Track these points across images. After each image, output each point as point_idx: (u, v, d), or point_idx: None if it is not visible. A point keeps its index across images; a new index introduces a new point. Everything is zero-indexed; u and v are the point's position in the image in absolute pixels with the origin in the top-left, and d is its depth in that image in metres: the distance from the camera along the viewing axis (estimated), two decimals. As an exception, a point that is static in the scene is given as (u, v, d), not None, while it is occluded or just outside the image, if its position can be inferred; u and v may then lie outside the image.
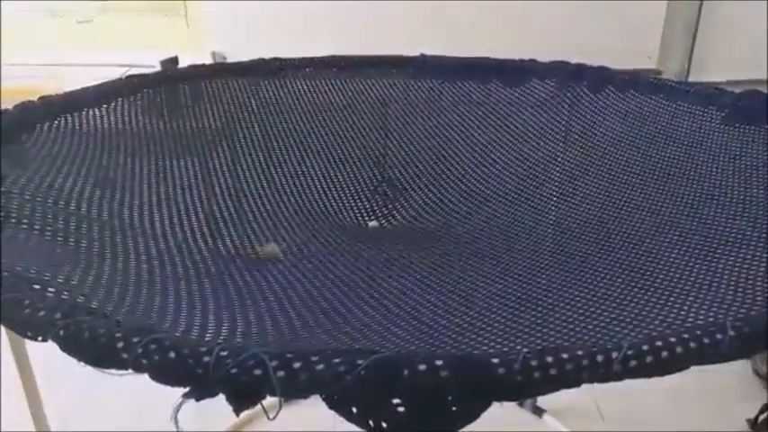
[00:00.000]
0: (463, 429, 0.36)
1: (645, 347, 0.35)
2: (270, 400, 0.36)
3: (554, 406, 1.42)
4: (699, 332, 0.37)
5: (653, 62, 1.86)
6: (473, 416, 0.35)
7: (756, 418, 1.34)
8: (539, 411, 1.42)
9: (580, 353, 0.34)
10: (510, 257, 0.77)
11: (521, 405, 1.44)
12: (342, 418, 0.36)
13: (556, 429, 1.38)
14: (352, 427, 0.36)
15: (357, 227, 0.97)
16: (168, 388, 0.37)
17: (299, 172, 1.06)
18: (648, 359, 0.35)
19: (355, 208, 1.05)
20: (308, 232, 0.91)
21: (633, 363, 0.35)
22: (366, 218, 1.05)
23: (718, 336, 0.36)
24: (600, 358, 0.35)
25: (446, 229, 0.95)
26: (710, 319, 0.49)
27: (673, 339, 0.36)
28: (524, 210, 0.94)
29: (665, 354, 0.35)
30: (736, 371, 1.54)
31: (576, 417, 1.40)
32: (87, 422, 1.25)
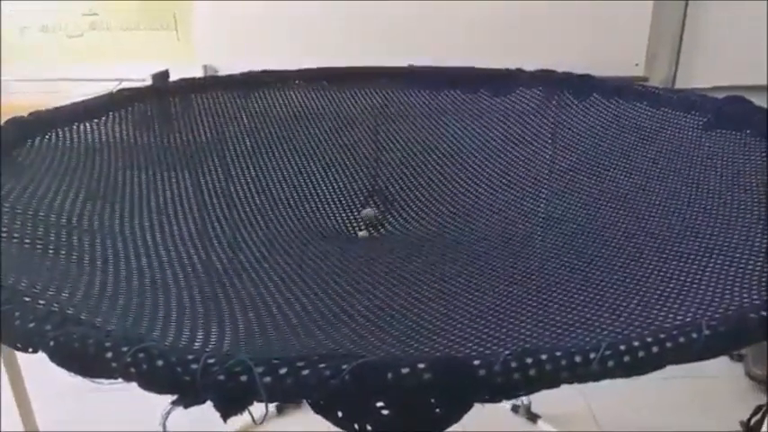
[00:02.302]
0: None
1: (622, 347, 0.36)
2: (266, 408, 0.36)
3: (548, 411, 1.43)
4: (675, 332, 0.37)
5: (640, 70, 1.89)
6: (456, 417, 0.36)
7: (749, 420, 1.35)
8: (533, 417, 1.42)
9: (559, 354, 0.35)
10: (495, 262, 0.78)
11: (515, 411, 1.44)
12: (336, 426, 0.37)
13: (550, 435, 1.38)
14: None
15: (347, 236, 0.98)
16: (157, 396, 0.37)
17: (290, 183, 1.07)
18: (626, 359, 0.36)
19: (346, 218, 1.06)
20: (298, 242, 0.91)
21: (611, 363, 0.36)
22: (356, 228, 1.06)
23: (694, 335, 0.37)
24: (578, 359, 0.36)
25: (435, 237, 0.96)
26: (688, 319, 0.50)
27: (649, 339, 0.37)
28: (511, 216, 0.95)
29: (641, 353, 0.36)
30: (730, 373, 1.55)
31: (570, 422, 1.41)
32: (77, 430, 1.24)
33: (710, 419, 1.39)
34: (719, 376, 1.53)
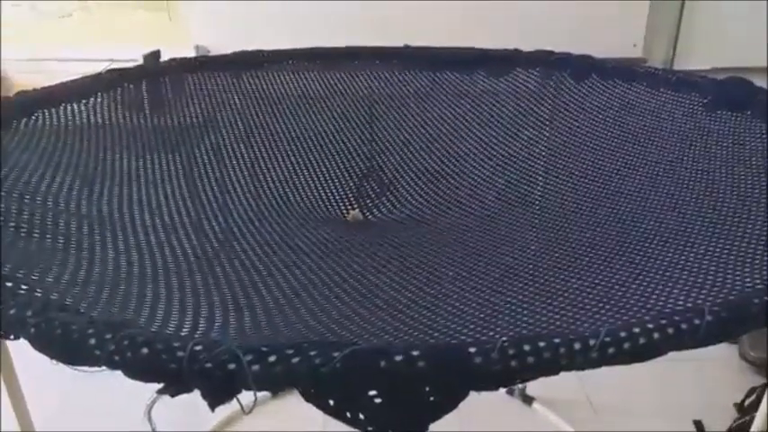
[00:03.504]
0: (453, 415, 0.36)
1: (622, 334, 0.35)
2: (262, 395, 0.35)
3: (543, 394, 1.43)
4: (676, 318, 0.36)
5: (638, 51, 1.87)
6: (451, 406, 0.35)
7: (743, 401, 1.36)
8: (528, 400, 1.42)
9: (557, 340, 0.34)
10: (492, 246, 0.77)
11: (510, 393, 1.44)
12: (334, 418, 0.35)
13: (545, 417, 1.39)
14: (343, 426, 0.36)
15: (341, 219, 0.97)
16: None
17: (283, 165, 1.06)
18: (626, 345, 0.35)
19: (340, 200, 1.05)
20: (291, 225, 0.90)
21: (611, 350, 0.35)
22: (350, 209, 1.04)
23: (696, 321, 0.36)
24: (577, 346, 0.35)
25: (430, 219, 0.95)
26: (689, 305, 0.49)
27: (650, 325, 0.36)
28: (508, 200, 0.93)
29: (642, 340, 0.35)
30: (725, 356, 1.55)
31: (565, 404, 1.41)
32: (65, 420, 1.24)
33: (706, 402, 1.40)
34: (714, 359, 1.54)
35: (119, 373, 0.36)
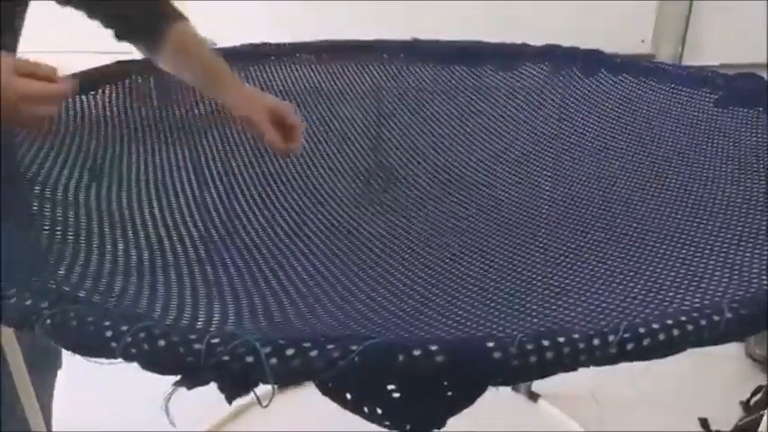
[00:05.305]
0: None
1: (642, 330, 0.35)
2: (265, 389, 0.35)
3: (549, 390, 1.43)
4: (696, 314, 0.36)
5: (647, 46, 1.86)
6: (469, 400, 0.35)
7: (749, 399, 1.35)
8: (534, 396, 1.42)
9: (576, 336, 0.34)
10: (506, 243, 0.76)
11: (516, 390, 1.44)
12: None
13: (551, 413, 1.39)
14: (355, 419, 0.36)
15: (350, 213, 0.96)
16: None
17: (290, 158, 1.05)
18: (645, 342, 0.35)
19: (348, 194, 1.04)
20: (299, 219, 0.90)
21: (630, 345, 0.35)
22: (360, 204, 1.04)
23: (715, 318, 0.36)
24: (596, 341, 0.34)
25: (437, 214, 0.94)
26: (707, 302, 0.49)
27: (669, 322, 0.36)
28: (518, 194, 0.93)
29: (661, 336, 0.35)
30: (731, 354, 1.55)
31: (570, 400, 1.41)
32: (80, 412, 1.24)
33: (711, 399, 1.40)
34: (720, 356, 1.53)
35: (135, 364, 0.36)
